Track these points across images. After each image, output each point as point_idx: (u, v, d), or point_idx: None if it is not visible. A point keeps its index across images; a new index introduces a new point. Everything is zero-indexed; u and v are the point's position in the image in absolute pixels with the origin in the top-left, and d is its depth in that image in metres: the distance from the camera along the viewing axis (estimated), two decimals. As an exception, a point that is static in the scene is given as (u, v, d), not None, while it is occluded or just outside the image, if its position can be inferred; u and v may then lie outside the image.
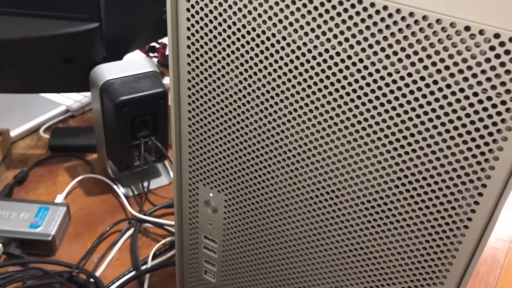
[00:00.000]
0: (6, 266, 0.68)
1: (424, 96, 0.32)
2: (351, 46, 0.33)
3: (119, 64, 0.78)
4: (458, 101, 0.32)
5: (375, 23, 0.32)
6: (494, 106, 0.31)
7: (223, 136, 0.43)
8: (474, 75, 0.30)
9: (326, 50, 0.34)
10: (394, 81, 0.33)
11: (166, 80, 1.00)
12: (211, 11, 0.38)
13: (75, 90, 0.82)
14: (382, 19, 0.31)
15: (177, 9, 0.39)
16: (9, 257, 0.70)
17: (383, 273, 0.41)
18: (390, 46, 0.32)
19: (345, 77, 0.35)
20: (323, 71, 0.35)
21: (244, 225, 0.46)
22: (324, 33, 0.34)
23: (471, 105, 0.31)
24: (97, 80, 0.76)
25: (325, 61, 0.35)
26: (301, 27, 0.34)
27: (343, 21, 0.33)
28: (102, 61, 0.79)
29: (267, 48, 0.37)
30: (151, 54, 1.10)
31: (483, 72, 0.30)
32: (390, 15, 0.31)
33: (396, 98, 0.33)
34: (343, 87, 0.35)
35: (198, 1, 0.38)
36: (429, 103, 0.32)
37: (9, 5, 0.72)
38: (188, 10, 0.39)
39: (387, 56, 0.32)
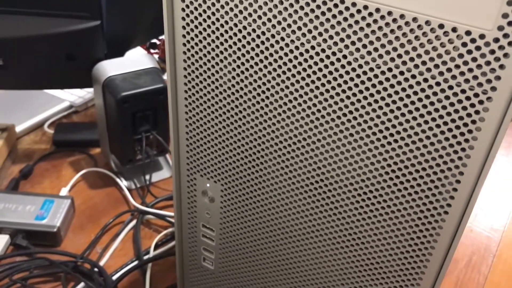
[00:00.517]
0: (14, 256, 0.71)
1: (403, 89, 0.35)
2: (335, 43, 0.35)
3: (120, 61, 0.80)
4: (435, 94, 0.34)
5: (356, 22, 0.34)
6: (468, 98, 0.33)
7: (218, 129, 0.45)
8: (449, 70, 0.33)
9: (312, 47, 0.36)
10: (376, 76, 0.35)
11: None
12: (204, 11, 0.40)
13: (78, 86, 0.84)
14: (363, 18, 0.34)
15: (172, 8, 0.41)
16: (16, 247, 0.72)
17: (370, 258, 0.43)
18: (371, 43, 0.34)
19: (330, 72, 0.37)
20: (310, 66, 0.37)
21: (240, 213, 0.49)
22: (310, 31, 0.36)
23: (447, 97, 0.33)
24: (99, 76, 0.78)
25: (311, 57, 0.37)
26: (289, 25, 0.37)
27: (327, 20, 0.35)
28: (104, 58, 0.81)
29: (257, 46, 0.39)
30: (152, 51, 1.12)
31: (457, 66, 0.32)
32: (370, 14, 0.33)
33: (378, 92, 0.36)
34: (329, 82, 0.37)
35: (192, 1, 0.40)
36: (408, 96, 0.35)
37: (12, 4, 0.74)
38: (183, 9, 0.41)
39: (369, 52, 0.35)
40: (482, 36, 0.31)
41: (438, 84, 0.33)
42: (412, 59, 0.33)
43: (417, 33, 0.32)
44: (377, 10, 0.33)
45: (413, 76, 0.34)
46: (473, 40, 0.31)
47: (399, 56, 0.34)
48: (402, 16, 0.32)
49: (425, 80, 0.34)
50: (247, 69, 0.40)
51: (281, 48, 0.38)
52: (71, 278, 0.69)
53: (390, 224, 0.41)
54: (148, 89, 0.77)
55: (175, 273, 0.70)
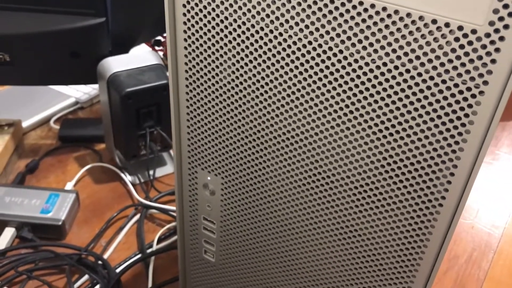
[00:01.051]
0: (19, 249, 0.72)
1: (398, 83, 0.35)
2: (331, 38, 0.36)
3: (125, 57, 0.82)
4: (428, 87, 0.34)
5: (352, 17, 0.35)
6: (460, 92, 0.34)
7: (218, 123, 0.46)
8: (442, 64, 0.33)
9: (310, 42, 0.37)
10: (371, 70, 0.36)
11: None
12: (204, 7, 0.41)
13: (83, 82, 0.85)
14: (358, 14, 0.34)
15: (174, 4, 0.42)
16: (22, 240, 0.73)
17: (367, 250, 0.44)
18: (366, 38, 0.35)
19: (327, 67, 0.37)
20: (307, 61, 0.38)
21: (240, 206, 0.50)
22: (307, 26, 0.37)
23: (440, 91, 0.34)
24: (104, 72, 0.79)
25: (309, 52, 0.38)
26: (287, 20, 0.37)
27: (324, 15, 0.36)
28: (109, 54, 0.82)
29: (256, 41, 0.40)
30: (156, 48, 1.14)
31: (450, 61, 0.33)
32: (365, 10, 0.34)
33: (373, 86, 0.36)
34: (325, 76, 0.38)
35: (193, -2, 0.41)
36: (403, 90, 0.35)
37: (18, 1, 0.75)
38: (184, 6, 0.42)
39: (364, 48, 0.35)
40: (473, 31, 0.31)
41: (431, 78, 0.34)
42: (406, 54, 0.34)
43: (411, 28, 0.33)
44: (372, 5, 0.34)
45: (408, 70, 0.35)
46: (465, 35, 0.32)
47: (394, 50, 0.34)
48: (396, 12, 0.33)
49: (419, 74, 0.34)
50: (246, 64, 0.41)
51: (279, 43, 0.39)
52: (75, 271, 0.71)
53: (387, 217, 0.41)
54: (152, 85, 0.78)
55: (178, 267, 0.71)
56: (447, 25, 0.32)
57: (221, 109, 0.45)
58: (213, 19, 0.41)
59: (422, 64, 0.34)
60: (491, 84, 0.32)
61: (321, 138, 0.41)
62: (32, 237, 0.73)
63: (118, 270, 0.71)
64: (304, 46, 0.38)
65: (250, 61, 0.41)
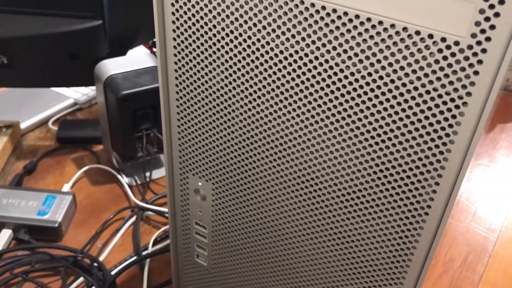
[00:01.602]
0: (16, 251, 0.73)
1: (383, 93, 0.35)
2: (317, 48, 0.36)
3: (122, 60, 0.82)
4: (413, 98, 0.35)
5: (337, 28, 0.35)
6: (444, 103, 0.34)
7: (208, 129, 0.46)
8: (426, 75, 0.33)
9: (296, 51, 0.37)
10: (356, 80, 0.36)
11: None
12: (193, 15, 0.41)
13: (81, 84, 0.86)
14: (343, 24, 0.34)
15: (163, 10, 0.43)
16: (18, 242, 0.74)
17: (357, 251, 0.44)
18: (351, 48, 0.35)
19: (313, 76, 0.38)
20: (294, 70, 0.38)
21: (231, 212, 0.50)
22: (293, 36, 0.37)
23: (425, 102, 0.34)
24: (101, 74, 0.79)
25: (295, 61, 0.38)
26: (273, 30, 0.38)
27: (310, 25, 0.36)
28: (106, 57, 0.82)
29: (244, 49, 0.40)
30: (154, 50, 1.14)
31: (434, 72, 0.33)
32: (350, 20, 0.34)
33: (359, 96, 0.36)
34: (312, 85, 0.38)
35: (182, 6, 0.41)
36: (388, 100, 0.35)
37: (16, 4, 0.76)
38: (173, 13, 0.42)
39: (349, 58, 0.35)
40: (456, 43, 0.31)
41: (416, 88, 0.34)
42: (390, 64, 0.34)
43: (395, 39, 0.33)
44: (357, 16, 0.34)
45: (392, 81, 0.35)
46: (448, 47, 0.32)
47: (378, 61, 0.35)
48: (380, 23, 0.33)
49: (404, 84, 0.34)
50: (235, 72, 0.42)
51: (267, 52, 0.39)
52: (71, 273, 0.71)
53: (374, 225, 0.41)
54: (148, 88, 0.78)
55: (173, 269, 0.71)
56: (430, 36, 0.32)
57: (212, 115, 0.45)
58: (202, 27, 0.41)
59: (407, 75, 0.34)
60: (474, 96, 0.32)
61: (311, 145, 0.41)
62: (29, 239, 0.74)
63: (113, 272, 0.71)
64: (291, 55, 0.38)
65: (239, 69, 0.41)
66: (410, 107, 0.35)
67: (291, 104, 0.40)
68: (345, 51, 0.36)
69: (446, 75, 0.33)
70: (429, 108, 0.34)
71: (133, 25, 0.86)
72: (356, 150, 0.39)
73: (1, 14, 0.77)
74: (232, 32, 0.40)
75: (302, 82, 0.39)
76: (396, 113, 0.36)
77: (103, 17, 0.78)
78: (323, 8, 0.35)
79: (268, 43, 0.38)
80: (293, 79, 0.39)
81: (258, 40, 0.39)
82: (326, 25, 0.35)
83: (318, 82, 0.38)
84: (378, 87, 0.35)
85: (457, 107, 0.33)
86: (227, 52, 0.41)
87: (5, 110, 0.98)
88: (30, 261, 0.71)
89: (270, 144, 0.43)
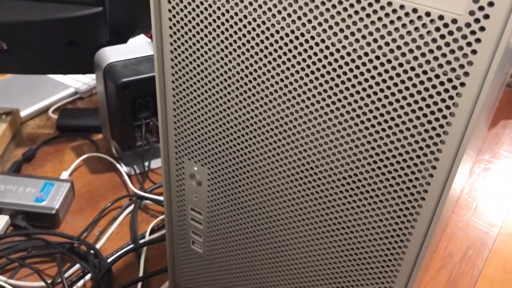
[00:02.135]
0: (13, 236, 0.72)
1: (379, 74, 0.35)
2: (314, 27, 0.36)
3: (122, 48, 0.81)
4: (410, 78, 0.34)
5: (334, 6, 0.34)
6: (441, 83, 0.33)
7: (204, 113, 0.46)
8: (423, 55, 0.33)
9: (292, 31, 0.37)
10: (353, 60, 0.35)
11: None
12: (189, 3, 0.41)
13: (81, 72, 0.86)
14: (340, 2, 0.34)
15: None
16: (15, 228, 0.74)
17: (352, 241, 0.44)
18: (348, 27, 0.34)
19: (309, 57, 0.37)
20: (290, 51, 0.38)
21: (226, 197, 0.49)
22: (289, 15, 0.36)
23: (422, 82, 0.34)
24: (100, 62, 0.79)
25: (291, 41, 0.37)
26: (269, 9, 0.37)
27: (306, 4, 0.35)
28: (106, 44, 0.82)
29: (240, 29, 0.39)
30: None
31: (431, 51, 0.32)
32: (347, -2, 0.34)
33: (355, 76, 0.36)
34: (308, 66, 0.37)
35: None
36: (384, 80, 0.35)
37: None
38: (169, 2, 0.42)
39: (345, 37, 0.35)
40: (454, 21, 0.31)
41: (413, 69, 0.34)
42: (387, 44, 0.34)
43: (392, 17, 0.33)
44: (353, -6, 0.33)
45: (389, 61, 0.34)
46: (445, 25, 0.31)
47: (375, 40, 0.34)
48: (377, 1, 0.33)
49: (400, 64, 0.34)
50: (230, 53, 0.41)
51: (262, 32, 0.38)
52: (67, 259, 0.71)
53: (370, 210, 0.41)
54: (148, 76, 0.78)
55: (169, 258, 0.71)
56: (427, 14, 0.31)
57: (207, 99, 0.45)
58: (197, 6, 0.41)
59: (403, 55, 0.33)
60: (472, 76, 0.32)
61: (307, 128, 0.40)
62: (26, 225, 0.73)
63: (109, 260, 0.71)
64: (287, 35, 0.37)
65: (235, 50, 0.41)
66: (407, 88, 0.34)
67: (287, 86, 0.39)
68: (341, 30, 0.35)
69: (444, 55, 0.32)
70: (426, 89, 0.34)
71: (133, 13, 0.86)
72: (352, 133, 0.38)
73: (2, 0, 0.77)
74: (227, 11, 0.39)
75: (298, 63, 0.38)
76: (393, 94, 0.35)
77: (104, 3, 0.78)
78: (320, -15, 0.34)
79: (264, 22, 0.38)
80: (288, 59, 0.38)
81: (254, 20, 0.38)
82: (322, 3, 0.35)
83: (314, 63, 0.37)
84: (375, 67, 0.35)
85: (454, 87, 0.33)
86: (222, 33, 0.40)
87: (6, 97, 0.98)
88: (26, 247, 0.70)
89: (267, 127, 0.43)
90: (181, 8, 0.42)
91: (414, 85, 0.34)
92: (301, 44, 0.37)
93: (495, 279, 0.74)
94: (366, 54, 0.35)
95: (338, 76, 0.37)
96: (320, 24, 0.36)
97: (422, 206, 0.38)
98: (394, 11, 0.32)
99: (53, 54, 0.81)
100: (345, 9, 0.34)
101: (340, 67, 0.36)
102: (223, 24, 0.40)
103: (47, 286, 0.65)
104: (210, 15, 0.40)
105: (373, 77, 0.35)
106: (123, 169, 0.86)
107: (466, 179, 0.91)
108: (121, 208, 0.80)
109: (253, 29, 0.39)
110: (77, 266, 0.69)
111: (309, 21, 0.36)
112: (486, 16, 0.30)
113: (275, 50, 0.39)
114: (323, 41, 0.36)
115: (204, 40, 0.42)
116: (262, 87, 0.41)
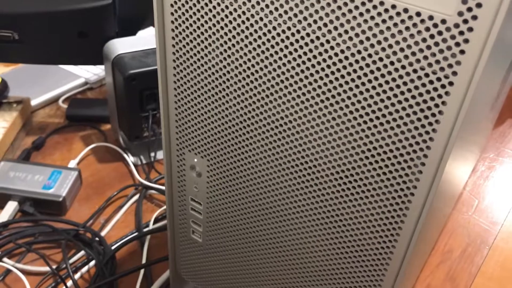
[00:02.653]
0: (20, 222, 0.74)
1: (371, 71, 0.36)
2: (309, 25, 0.37)
3: (130, 40, 0.83)
4: (400, 76, 0.35)
5: (328, 4, 0.35)
6: (431, 82, 0.34)
7: (204, 106, 0.47)
8: (413, 53, 0.34)
9: (289, 28, 0.38)
10: (346, 58, 0.36)
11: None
12: (190, -10, 0.42)
13: (90, 63, 0.87)
14: (334, 1, 0.35)
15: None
16: (23, 214, 0.76)
17: (348, 234, 0.45)
18: (342, 25, 0.35)
19: (305, 53, 0.38)
20: (286, 47, 0.39)
21: (225, 188, 0.51)
22: (286, 12, 0.37)
23: (412, 80, 0.34)
24: (109, 54, 0.80)
25: (287, 38, 0.38)
26: (267, 6, 0.38)
27: (302, 1, 0.36)
28: (115, 36, 0.83)
29: (238, 25, 0.40)
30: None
31: (421, 50, 0.33)
32: (340, -3, 0.34)
33: (349, 73, 0.37)
34: (304, 62, 0.38)
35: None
36: (376, 78, 0.36)
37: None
38: (172, -12, 0.43)
39: (339, 35, 0.36)
40: (443, 21, 0.32)
41: (403, 67, 0.34)
42: (379, 42, 0.34)
43: (384, 16, 0.33)
44: (347, -7, 0.34)
45: (380, 59, 0.35)
46: (435, 25, 0.32)
47: (367, 39, 0.35)
48: (370, 0, 0.33)
49: (391, 63, 0.35)
50: (229, 48, 0.42)
51: (260, 28, 0.39)
52: (72, 246, 0.73)
53: (361, 204, 0.42)
54: (156, 68, 0.79)
55: (172, 247, 0.73)
56: (418, 14, 0.32)
57: (207, 91, 0.46)
58: (198, 1, 0.42)
59: (394, 53, 0.34)
60: (460, 75, 0.33)
61: (305, 122, 0.41)
62: (33, 211, 0.75)
63: (114, 247, 0.72)
64: (284, 31, 0.38)
65: (238, 42, 0.42)
66: (398, 86, 0.35)
67: (284, 81, 0.40)
68: (335, 28, 0.36)
69: (433, 54, 0.33)
70: (416, 87, 0.35)
71: (143, 6, 0.87)
72: (345, 128, 0.39)
73: (14, -9, 0.79)
74: (227, 7, 0.40)
75: (294, 59, 0.39)
76: (384, 91, 0.36)
77: (113, -4, 0.79)
78: (315, -16, 0.35)
79: (261, 18, 0.39)
80: (285, 55, 0.39)
81: (252, 16, 0.39)
82: (318, 1, 0.36)
83: (309, 59, 0.38)
84: (367, 65, 0.36)
85: (443, 86, 0.34)
86: (226, 25, 0.41)
87: (17, 87, 1.00)
88: (33, 233, 0.72)
89: (266, 120, 0.44)
90: (182, 3, 0.43)
91: (405, 83, 0.35)
92: (297, 41, 0.38)
93: (494, 277, 0.75)
94: (359, 52, 0.36)
95: (332, 72, 0.38)
96: (315, 21, 0.36)
97: (411, 201, 0.39)
98: (386, 10, 0.33)
99: (63, 45, 0.83)
100: (339, 8, 0.35)
101: (334, 64, 0.37)
102: (222, 19, 0.41)
103: (52, 271, 0.67)
104: (210, 10, 0.41)
105: (365, 75, 0.36)
106: (130, 159, 0.88)
107: (468, 176, 0.91)
108: (126, 197, 0.82)
109: (251, 25, 0.40)
110: (82, 252, 0.71)
111: (305, 19, 0.37)
112: (474, 17, 0.31)
113: (272, 46, 0.40)
114: (318, 38, 0.37)
115: (204, 35, 0.43)
116: (260, 80, 0.42)
